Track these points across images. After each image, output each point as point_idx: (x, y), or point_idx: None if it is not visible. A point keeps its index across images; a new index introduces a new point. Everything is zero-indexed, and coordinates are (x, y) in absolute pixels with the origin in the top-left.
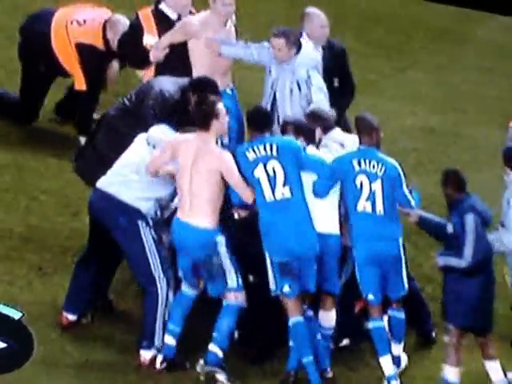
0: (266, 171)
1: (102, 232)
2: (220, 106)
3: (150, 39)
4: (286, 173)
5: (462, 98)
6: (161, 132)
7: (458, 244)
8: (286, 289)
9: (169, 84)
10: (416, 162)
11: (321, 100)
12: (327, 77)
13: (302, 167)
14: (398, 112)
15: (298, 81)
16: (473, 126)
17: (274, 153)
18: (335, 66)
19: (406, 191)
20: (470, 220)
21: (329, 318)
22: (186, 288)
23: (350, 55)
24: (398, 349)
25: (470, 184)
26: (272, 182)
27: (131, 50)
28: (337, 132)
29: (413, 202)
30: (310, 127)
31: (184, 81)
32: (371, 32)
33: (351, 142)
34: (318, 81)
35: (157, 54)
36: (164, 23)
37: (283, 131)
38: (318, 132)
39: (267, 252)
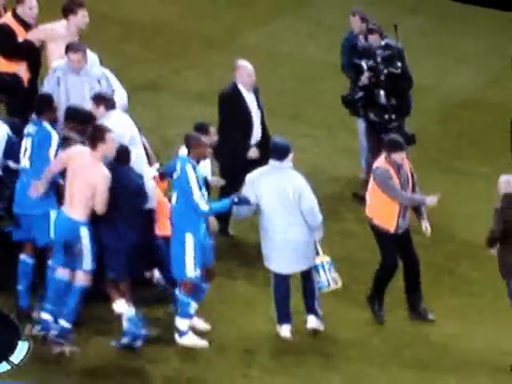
0: (26, 144)
1: None
2: (110, 134)
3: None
4: (33, 149)
5: None
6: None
7: None
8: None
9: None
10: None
11: (118, 86)
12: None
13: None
14: (173, 105)
15: (98, 79)
16: None
17: (32, 132)
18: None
19: (196, 198)
20: None
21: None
22: (59, 273)
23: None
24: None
25: None
26: (24, 152)
27: (11, 47)
28: (114, 116)
29: (202, 206)
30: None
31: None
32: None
33: (124, 124)
34: (109, 73)
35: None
36: (26, 26)
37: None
38: (102, 110)
39: None
